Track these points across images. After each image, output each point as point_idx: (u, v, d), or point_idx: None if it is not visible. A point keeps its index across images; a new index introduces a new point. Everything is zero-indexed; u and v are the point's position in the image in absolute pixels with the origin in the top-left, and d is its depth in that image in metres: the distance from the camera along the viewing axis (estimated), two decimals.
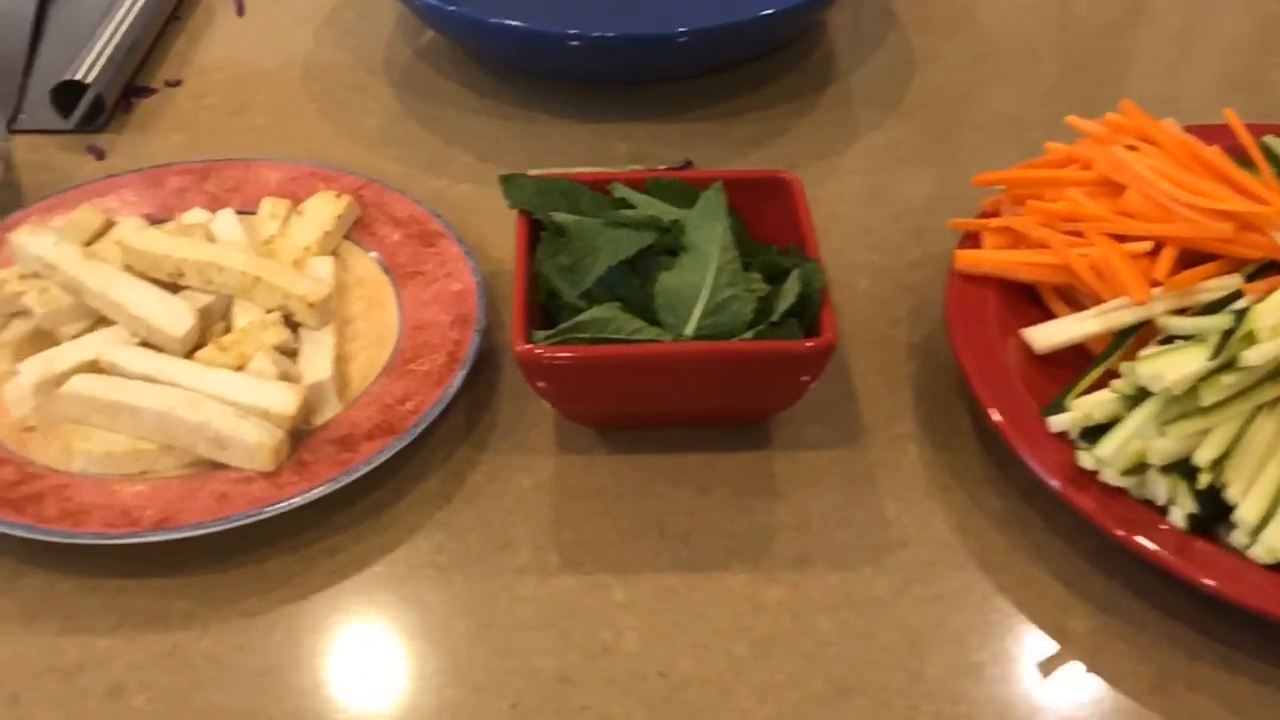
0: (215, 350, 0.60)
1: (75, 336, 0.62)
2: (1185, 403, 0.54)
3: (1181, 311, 0.61)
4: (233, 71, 0.88)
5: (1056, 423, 0.57)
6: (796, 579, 0.56)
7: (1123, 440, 0.54)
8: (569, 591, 0.55)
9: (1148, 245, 0.63)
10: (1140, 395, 0.56)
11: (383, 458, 0.57)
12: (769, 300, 0.59)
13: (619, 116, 0.83)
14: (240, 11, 0.94)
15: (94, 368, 0.59)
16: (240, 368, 0.59)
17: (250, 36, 0.92)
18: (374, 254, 0.69)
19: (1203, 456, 0.53)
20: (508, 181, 0.64)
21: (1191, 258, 0.63)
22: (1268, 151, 0.67)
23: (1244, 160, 0.66)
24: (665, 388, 0.58)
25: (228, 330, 0.62)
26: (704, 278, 0.59)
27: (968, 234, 0.67)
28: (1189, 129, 0.69)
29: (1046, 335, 0.62)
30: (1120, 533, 0.53)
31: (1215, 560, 0.52)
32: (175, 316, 0.60)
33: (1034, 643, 0.54)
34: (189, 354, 0.61)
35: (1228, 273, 0.63)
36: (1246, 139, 0.67)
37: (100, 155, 0.79)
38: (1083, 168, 0.67)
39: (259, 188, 0.72)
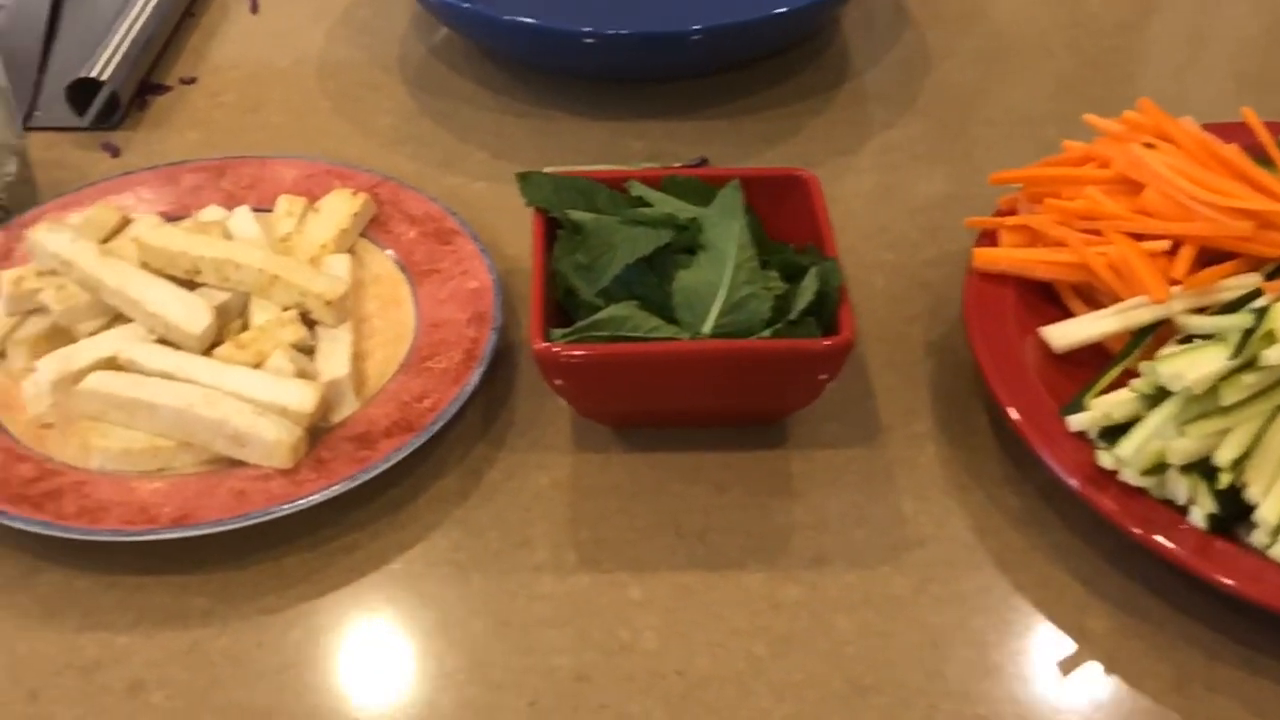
0: (233, 347, 0.60)
1: (92, 334, 0.62)
2: (1205, 402, 0.54)
3: (1200, 310, 0.61)
4: (247, 69, 0.88)
5: (1076, 422, 0.56)
6: (814, 578, 0.55)
7: (1143, 440, 0.54)
8: (586, 590, 0.55)
9: (1166, 244, 0.62)
10: (1160, 395, 0.55)
11: (401, 455, 0.57)
12: (786, 299, 0.59)
13: (633, 114, 0.83)
14: (255, 9, 0.94)
15: (112, 365, 0.59)
16: (258, 365, 0.59)
17: (265, 34, 0.92)
18: (390, 252, 0.69)
19: (1223, 456, 0.53)
20: (524, 179, 0.64)
21: (1210, 256, 0.63)
22: None
23: (1262, 159, 0.66)
24: (683, 386, 0.58)
25: (245, 328, 0.62)
26: (721, 276, 0.59)
27: (984, 232, 0.67)
28: (1206, 127, 0.68)
29: (1065, 334, 0.61)
30: (1140, 532, 0.53)
31: (1235, 560, 0.52)
32: (193, 314, 0.61)
33: (1053, 642, 0.53)
34: (206, 351, 0.61)
35: (1246, 271, 0.62)
36: (1265, 137, 0.67)
37: (115, 152, 0.79)
38: (1100, 166, 0.67)
39: (275, 185, 0.72)
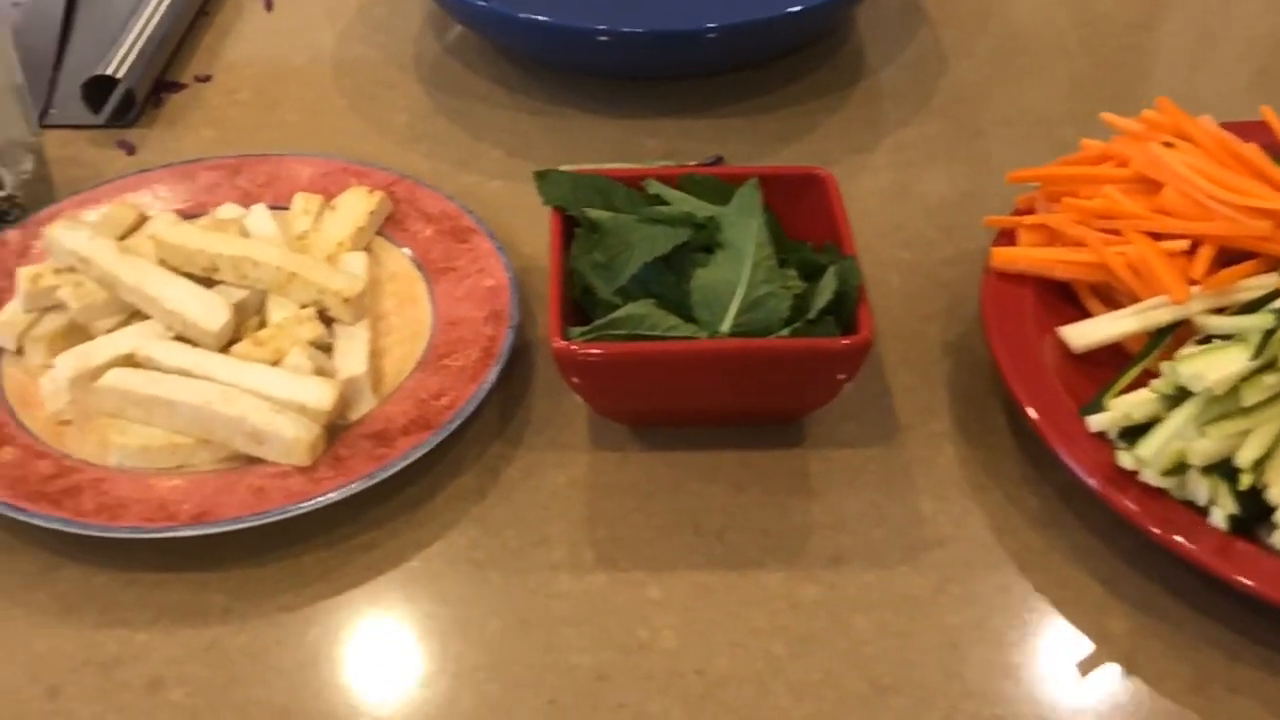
0: (251, 345, 0.60)
1: (109, 331, 0.62)
2: (1226, 403, 0.54)
3: (1219, 311, 0.61)
4: (262, 67, 0.88)
5: (1095, 422, 0.56)
6: (833, 578, 0.55)
7: (1164, 440, 0.54)
8: (605, 588, 0.55)
9: (1185, 244, 0.62)
10: (1180, 395, 0.55)
11: (419, 453, 0.57)
12: (805, 297, 0.59)
13: (648, 112, 0.83)
14: (269, 7, 0.94)
15: (130, 362, 0.59)
16: (276, 363, 0.59)
17: (279, 32, 0.92)
18: (406, 250, 0.69)
19: (1244, 457, 0.53)
20: (542, 177, 0.64)
21: (1229, 256, 0.62)
22: None
23: None
24: (701, 385, 0.58)
25: (262, 325, 0.62)
26: (740, 274, 0.59)
27: (1002, 231, 0.67)
28: (1225, 126, 0.68)
29: (1083, 334, 0.61)
30: (1161, 533, 0.53)
31: (1256, 561, 0.52)
32: (210, 311, 0.61)
33: (1072, 643, 0.53)
34: (224, 349, 0.61)
35: (1266, 271, 0.62)
36: None
37: (131, 150, 0.79)
38: (1118, 165, 0.67)
39: (291, 183, 0.72)
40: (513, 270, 0.66)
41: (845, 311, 0.58)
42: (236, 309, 0.62)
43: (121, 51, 0.82)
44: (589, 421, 0.62)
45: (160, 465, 0.57)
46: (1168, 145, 0.66)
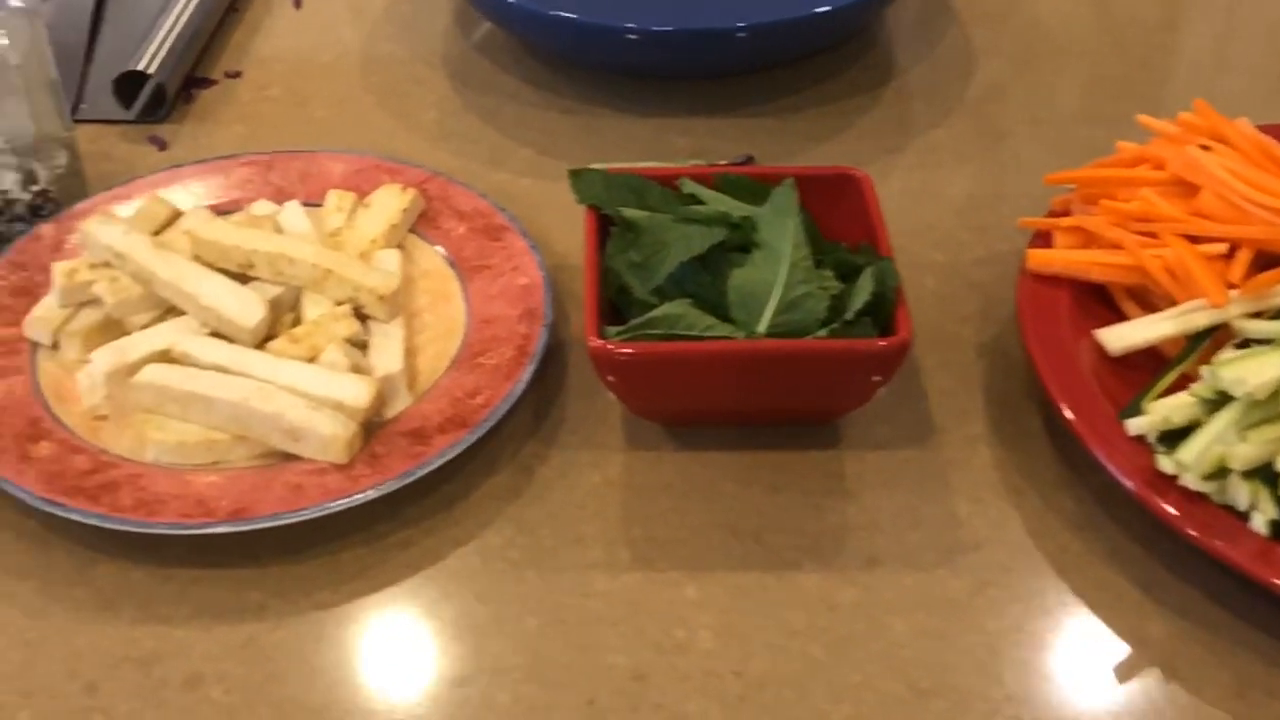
0: (287, 342, 0.60)
1: (144, 326, 0.62)
2: (1267, 408, 0.54)
3: (1257, 315, 0.60)
4: (291, 63, 0.88)
5: (1134, 426, 0.56)
6: (869, 580, 0.55)
7: (1204, 445, 0.53)
8: (641, 588, 0.55)
9: (1223, 247, 0.62)
10: (1220, 399, 0.55)
11: (455, 451, 0.57)
12: (842, 298, 0.59)
13: (678, 111, 0.83)
14: (298, 4, 0.94)
15: (166, 357, 0.60)
16: (311, 359, 0.59)
17: (308, 29, 0.92)
18: (439, 248, 0.69)
19: None
20: (576, 177, 0.64)
21: (1267, 260, 0.62)
22: None
23: None
24: (739, 385, 0.58)
25: (296, 322, 0.63)
26: (777, 275, 0.59)
27: (1037, 233, 0.67)
28: (1261, 129, 0.68)
29: (1120, 337, 0.61)
30: (1201, 538, 0.52)
31: None
32: (247, 307, 0.61)
33: (1111, 648, 0.53)
34: (259, 345, 0.61)
35: None
36: None
37: (162, 146, 0.79)
38: (1155, 167, 0.66)
39: (323, 180, 0.72)
40: (546, 269, 0.66)
41: (882, 313, 0.58)
42: (272, 305, 0.62)
43: (153, 47, 0.82)
44: (623, 421, 0.62)
45: (196, 461, 0.57)
46: (1205, 148, 0.66)
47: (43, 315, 0.63)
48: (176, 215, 0.69)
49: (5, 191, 0.69)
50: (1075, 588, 0.55)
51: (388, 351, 0.61)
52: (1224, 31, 0.94)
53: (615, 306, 0.61)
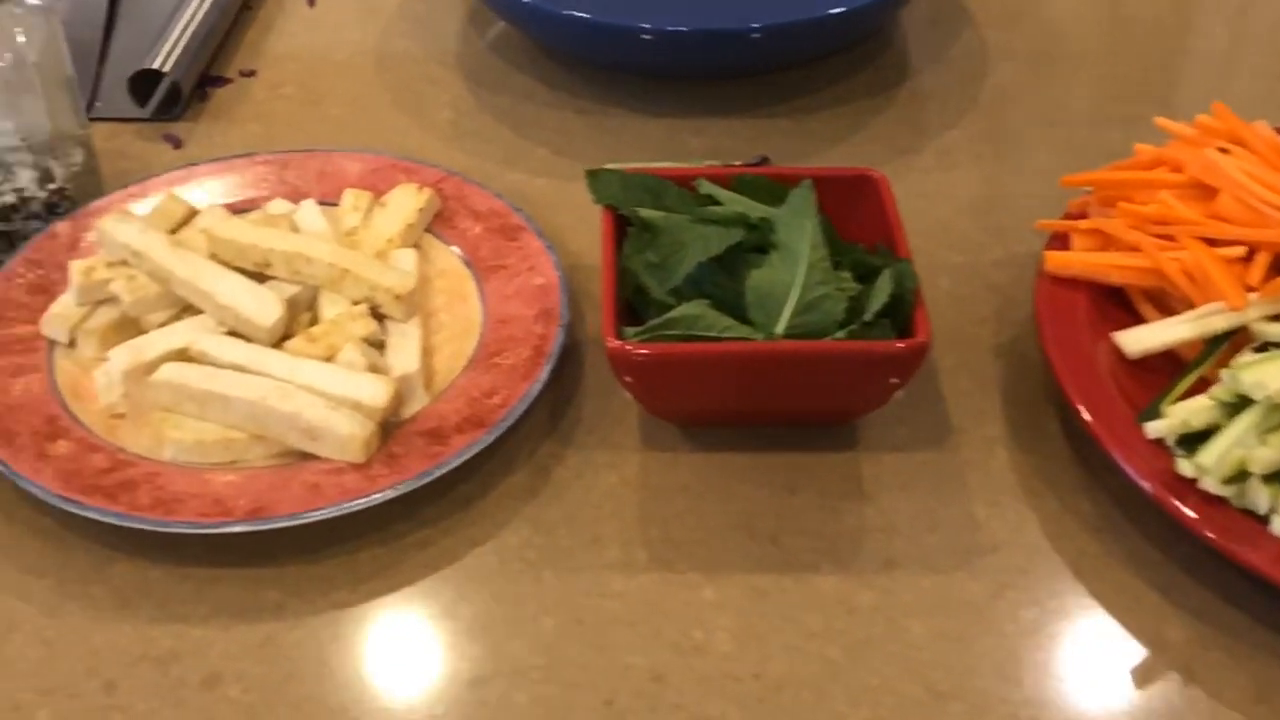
0: (304, 341, 0.60)
1: (161, 325, 0.62)
2: None
3: (1276, 318, 0.60)
4: (306, 62, 0.88)
5: (1153, 429, 0.56)
6: (887, 582, 0.55)
7: (1224, 448, 0.53)
8: (658, 589, 0.55)
9: (1241, 250, 0.62)
10: (1239, 402, 0.55)
11: (472, 451, 0.57)
12: (860, 300, 0.59)
13: (692, 111, 0.83)
14: (311, 3, 0.94)
15: (183, 356, 0.59)
16: (329, 359, 0.59)
17: (321, 28, 0.92)
18: (455, 248, 0.68)
19: None
20: (593, 177, 0.64)
21: None
22: None
23: None
24: (757, 386, 0.58)
25: (313, 321, 0.62)
26: (795, 276, 0.58)
27: (1054, 235, 0.67)
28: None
29: (1138, 339, 0.61)
30: (1221, 541, 0.52)
31: None
32: (264, 306, 0.60)
33: (1130, 651, 0.53)
34: (276, 344, 0.61)
35: None
36: None
37: (177, 144, 0.79)
38: (1173, 170, 0.66)
39: (339, 179, 0.72)
40: (562, 269, 0.66)
41: (900, 314, 0.58)
42: (289, 305, 0.62)
43: (168, 45, 0.82)
44: (639, 421, 0.62)
45: (214, 460, 0.57)
46: (1223, 151, 0.66)
47: (60, 313, 0.63)
48: (193, 214, 0.69)
49: (21, 189, 0.69)
50: (1094, 591, 0.55)
51: (405, 351, 0.61)
52: (1239, 34, 0.94)
53: (632, 307, 0.61)
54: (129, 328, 0.63)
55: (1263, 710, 0.51)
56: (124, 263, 0.63)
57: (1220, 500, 0.54)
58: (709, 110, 0.83)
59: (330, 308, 0.62)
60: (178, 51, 0.82)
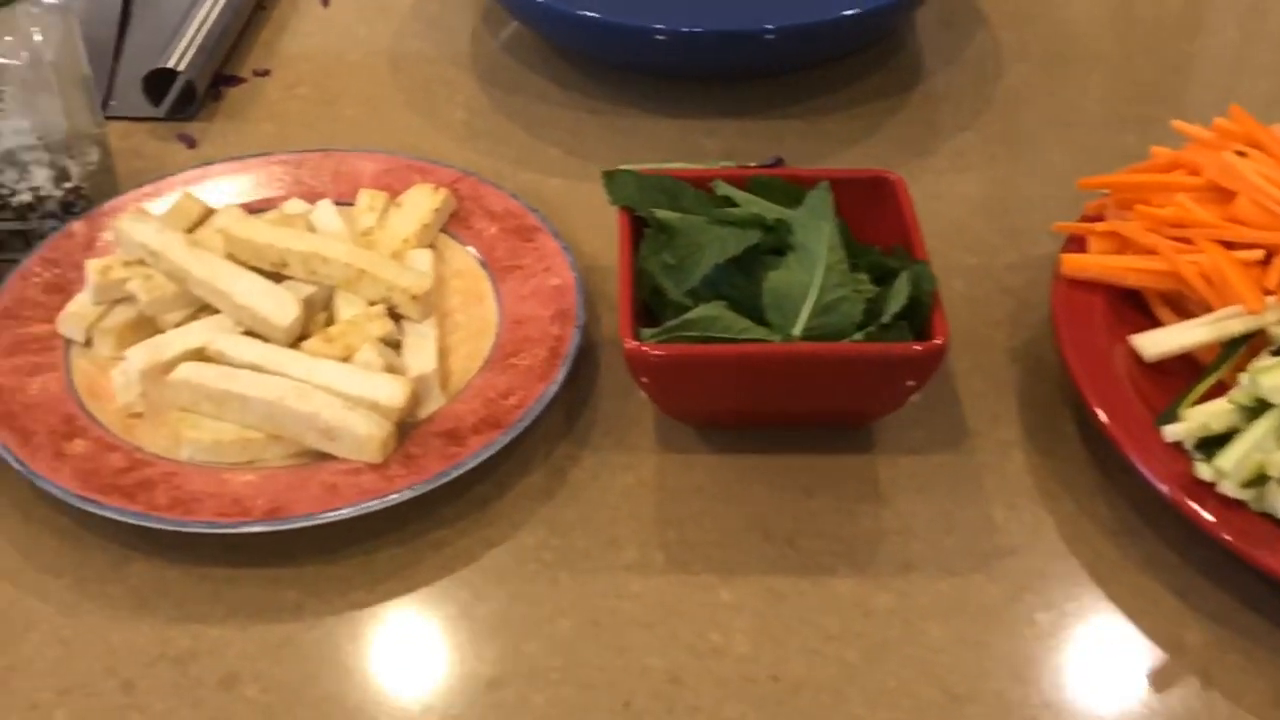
0: (321, 341, 0.60)
1: (178, 324, 0.62)
2: None
3: None
4: (320, 62, 0.88)
5: (1172, 432, 0.56)
6: (904, 585, 0.55)
7: (1243, 452, 0.53)
8: (675, 591, 0.55)
9: (1259, 253, 0.62)
10: (1258, 406, 0.55)
11: (489, 452, 0.57)
12: (877, 302, 0.59)
13: (706, 112, 0.83)
14: (325, 2, 0.94)
15: (200, 355, 0.60)
16: (345, 359, 0.59)
17: (335, 27, 0.92)
18: (470, 248, 0.68)
19: None
20: (610, 178, 0.64)
21: None
22: None
23: None
24: (774, 388, 0.58)
25: (330, 322, 0.62)
26: (812, 277, 0.58)
27: (1070, 237, 0.66)
28: None
29: (1156, 343, 0.61)
30: (1239, 545, 0.52)
31: None
32: (281, 306, 0.61)
33: (1148, 655, 0.53)
34: (293, 344, 0.61)
35: None
36: None
37: (192, 144, 0.79)
38: (1190, 173, 0.66)
39: (355, 179, 0.72)
40: (578, 269, 0.66)
41: (918, 317, 0.58)
42: (305, 305, 0.62)
43: (182, 44, 0.82)
44: (655, 423, 0.62)
45: (231, 460, 0.57)
46: (1240, 154, 0.65)
47: (76, 312, 0.63)
48: (209, 213, 0.69)
49: (37, 188, 0.69)
50: (1111, 594, 0.55)
51: (422, 351, 0.61)
52: (1253, 34, 0.93)
53: (648, 308, 0.61)
54: (145, 327, 0.63)
55: (1279, 714, 0.51)
56: (141, 262, 0.63)
57: (1238, 503, 0.54)
58: (722, 111, 0.83)
59: (347, 308, 0.62)
60: (192, 51, 0.82)
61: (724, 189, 0.64)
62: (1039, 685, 0.52)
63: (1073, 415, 0.62)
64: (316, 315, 0.63)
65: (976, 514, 0.58)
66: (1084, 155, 0.80)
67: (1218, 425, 0.55)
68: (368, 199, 0.69)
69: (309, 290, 0.63)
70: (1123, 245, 0.65)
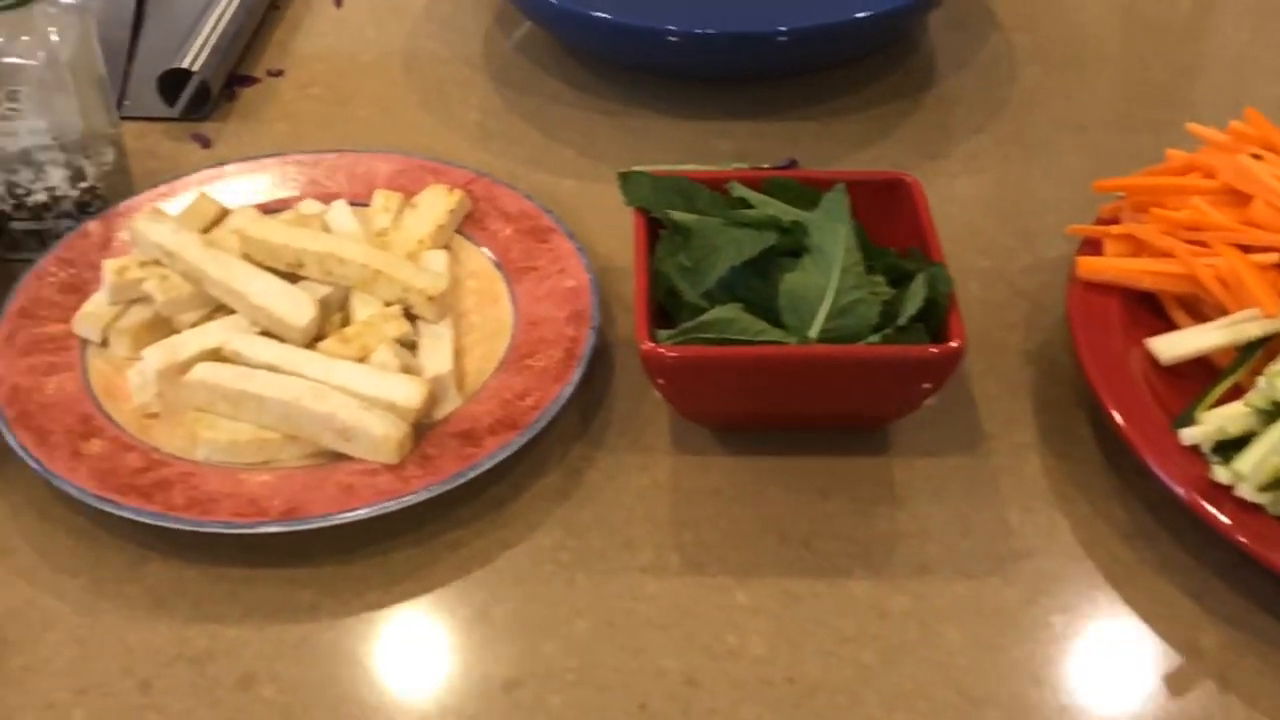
0: (337, 342, 0.60)
1: (193, 324, 0.62)
2: None
3: None
4: (333, 62, 0.88)
5: (1189, 435, 0.56)
6: (920, 587, 0.55)
7: (1261, 455, 0.53)
8: (691, 593, 0.55)
9: (1276, 256, 0.62)
10: (1275, 410, 0.55)
11: (506, 453, 0.57)
12: (893, 304, 0.59)
13: (720, 114, 0.83)
14: (339, 3, 0.94)
15: (216, 356, 0.60)
16: (362, 359, 0.59)
17: (348, 28, 0.92)
18: (485, 249, 0.69)
19: None
20: (625, 179, 0.64)
21: None
22: None
23: None
24: (791, 390, 0.58)
25: (345, 322, 0.63)
26: (828, 280, 0.58)
27: (1085, 240, 0.66)
28: None
29: (1172, 346, 0.61)
30: (1255, 548, 0.52)
31: None
32: (297, 307, 0.61)
33: (1164, 659, 0.53)
34: (309, 345, 0.61)
35: None
36: None
37: (206, 143, 0.80)
38: (1205, 176, 0.66)
39: (369, 180, 0.72)
40: (593, 271, 0.66)
41: (934, 319, 0.58)
42: (321, 305, 0.62)
43: (196, 44, 0.82)
44: (670, 424, 0.62)
45: (247, 460, 0.57)
46: (1256, 157, 0.65)
47: (92, 312, 0.63)
48: (224, 214, 0.69)
49: (53, 188, 0.69)
50: (1127, 597, 0.55)
51: (438, 352, 0.61)
52: (1267, 37, 0.93)
53: (664, 309, 0.61)
54: (161, 327, 0.63)
55: None
56: (157, 262, 0.64)
57: (1254, 506, 0.54)
58: (735, 112, 0.83)
59: (363, 309, 0.62)
60: (206, 51, 0.82)
61: (739, 191, 0.64)
62: (1055, 688, 0.52)
63: (1088, 418, 0.62)
64: (332, 316, 0.63)
65: (992, 516, 0.58)
66: (1097, 158, 0.80)
67: (1235, 429, 0.55)
68: (383, 200, 0.69)
69: (325, 291, 0.63)
70: (1138, 248, 0.65)
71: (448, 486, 0.55)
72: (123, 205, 0.70)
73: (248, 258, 0.63)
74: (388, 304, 0.62)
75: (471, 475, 0.56)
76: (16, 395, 0.59)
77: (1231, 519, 0.53)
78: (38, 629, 0.53)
